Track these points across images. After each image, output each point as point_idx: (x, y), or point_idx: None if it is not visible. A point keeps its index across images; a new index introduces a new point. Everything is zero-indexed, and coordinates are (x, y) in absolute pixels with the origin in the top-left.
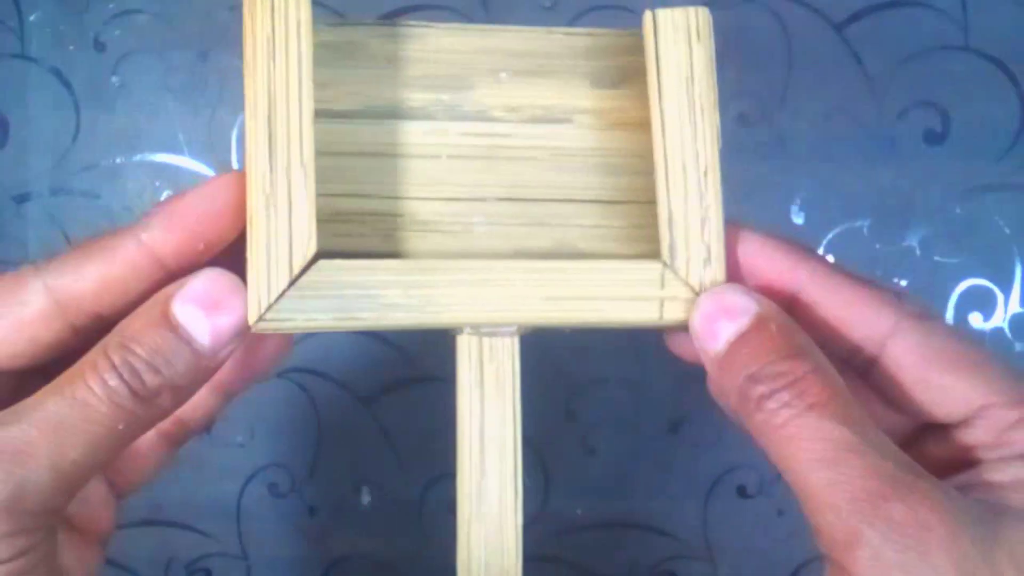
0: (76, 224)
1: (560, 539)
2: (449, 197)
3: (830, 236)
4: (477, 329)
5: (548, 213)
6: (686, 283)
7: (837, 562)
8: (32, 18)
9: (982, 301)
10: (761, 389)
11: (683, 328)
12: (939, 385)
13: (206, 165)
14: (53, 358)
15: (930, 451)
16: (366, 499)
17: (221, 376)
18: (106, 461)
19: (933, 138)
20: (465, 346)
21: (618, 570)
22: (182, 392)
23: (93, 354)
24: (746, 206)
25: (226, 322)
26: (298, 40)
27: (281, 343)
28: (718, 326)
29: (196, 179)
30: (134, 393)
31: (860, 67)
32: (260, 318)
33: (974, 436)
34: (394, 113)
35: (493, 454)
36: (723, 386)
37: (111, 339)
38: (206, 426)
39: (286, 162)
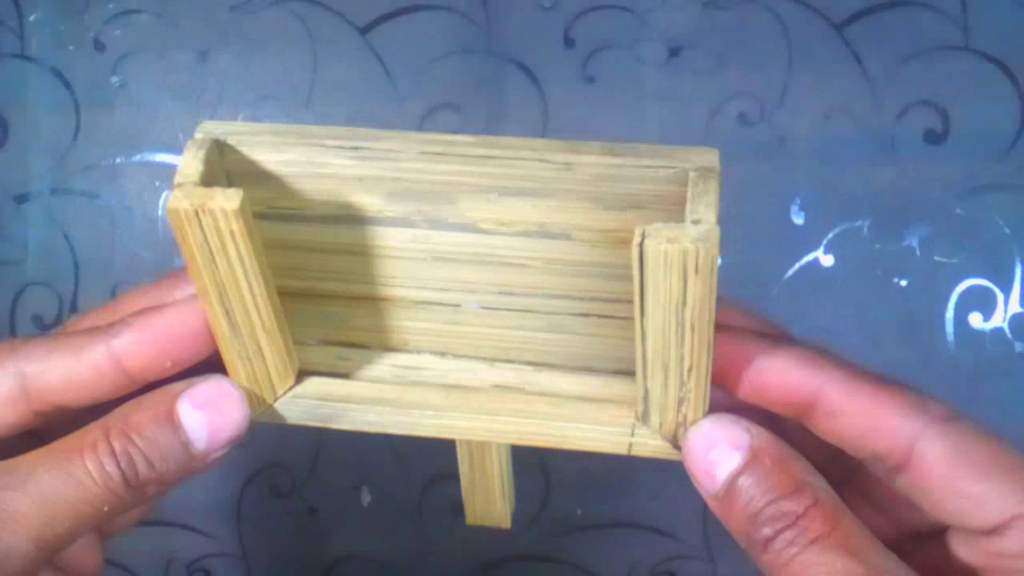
0: (76, 224)
1: (560, 539)
2: (440, 288)
3: (830, 236)
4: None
5: (542, 303)
6: (657, 434)
7: None
8: (32, 18)
9: (982, 301)
10: (766, 532)
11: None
12: (971, 493)
13: None
14: (13, 436)
15: (957, 555)
16: (366, 499)
17: None
18: (85, 534)
19: (933, 138)
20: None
21: (618, 570)
22: (170, 485)
23: (94, 433)
24: (746, 206)
25: (225, 431)
26: (235, 245)
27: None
28: (712, 465)
29: None
30: (126, 481)
31: (860, 67)
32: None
33: (1006, 545)
34: (374, 220)
35: None
36: (727, 524)
37: (115, 423)
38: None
39: (250, 331)
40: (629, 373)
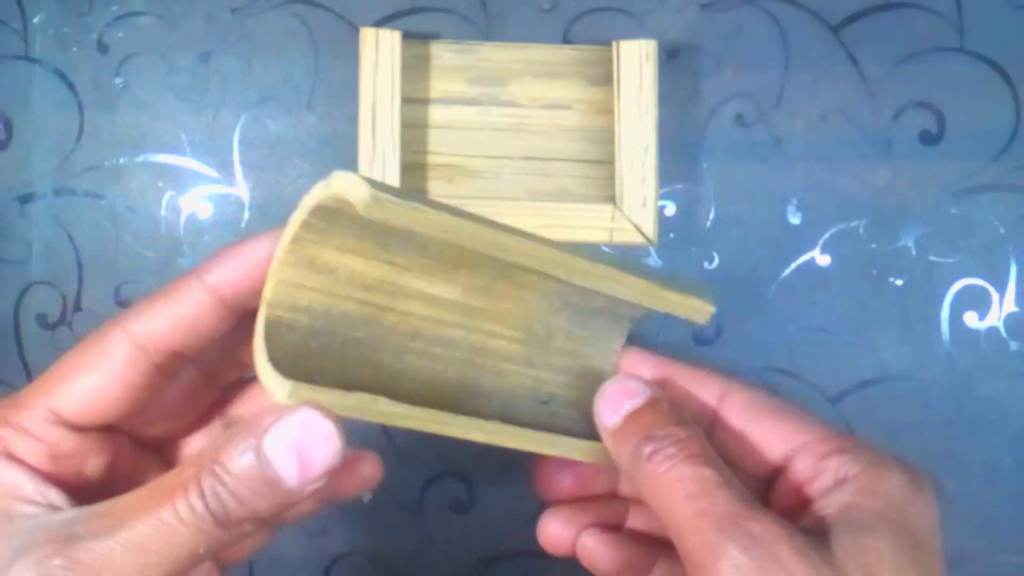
0: (80, 224)
1: None
2: (489, 155)
3: (826, 236)
4: None
5: (553, 168)
6: (629, 219)
7: (694, 566)
8: (36, 20)
9: (977, 301)
10: (652, 447)
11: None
12: (762, 429)
13: (209, 165)
14: (144, 400)
15: (774, 504)
16: (366, 499)
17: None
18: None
19: (928, 139)
20: None
21: None
22: (265, 522)
23: (186, 473)
24: (743, 206)
25: (316, 466)
26: (391, 62)
27: (373, 473)
28: (618, 403)
29: (199, 179)
30: (217, 521)
31: (856, 68)
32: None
33: (797, 473)
34: (457, 101)
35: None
36: (618, 452)
37: (206, 461)
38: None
39: (382, 134)
40: (610, 198)
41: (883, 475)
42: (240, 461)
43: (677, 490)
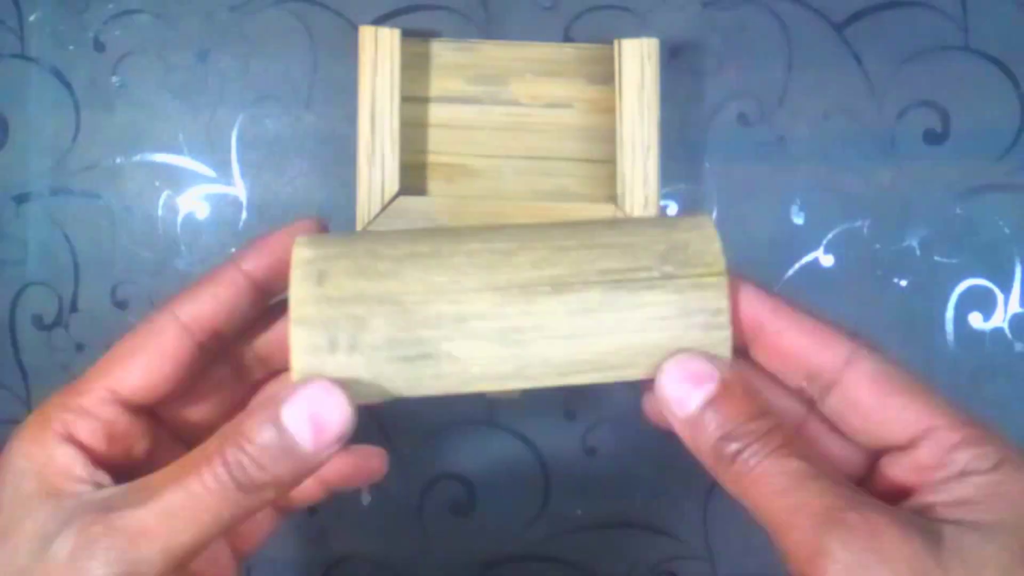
0: (76, 224)
1: (560, 539)
2: (489, 155)
3: (830, 236)
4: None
5: (554, 167)
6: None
7: (799, 568)
8: (32, 18)
9: (982, 301)
10: (735, 446)
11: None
12: (890, 407)
13: (206, 165)
14: (189, 381)
15: (881, 479)
16: (366, 499)
17: (327, 475)
18: (213, 541)
19: (933, 138)
20: None
21: (618, 570)
22: (285, 487)
23: (211, 446)
24: (746, 206)
25: (329, 431)
26: (390, 61)
27: (379, 467)
28: (687, 392)
29: (196, 179)
30: (240, 487)
31: (860, 67)
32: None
33: (920, 458)
34: (457, 99)
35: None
36: (696, 445)
37: (228, 433)
38: (309, 506)
39: (381, 133)
40: (612, 198)
41: (1015, 479)
42: (260, 430)
43: (766, 487)
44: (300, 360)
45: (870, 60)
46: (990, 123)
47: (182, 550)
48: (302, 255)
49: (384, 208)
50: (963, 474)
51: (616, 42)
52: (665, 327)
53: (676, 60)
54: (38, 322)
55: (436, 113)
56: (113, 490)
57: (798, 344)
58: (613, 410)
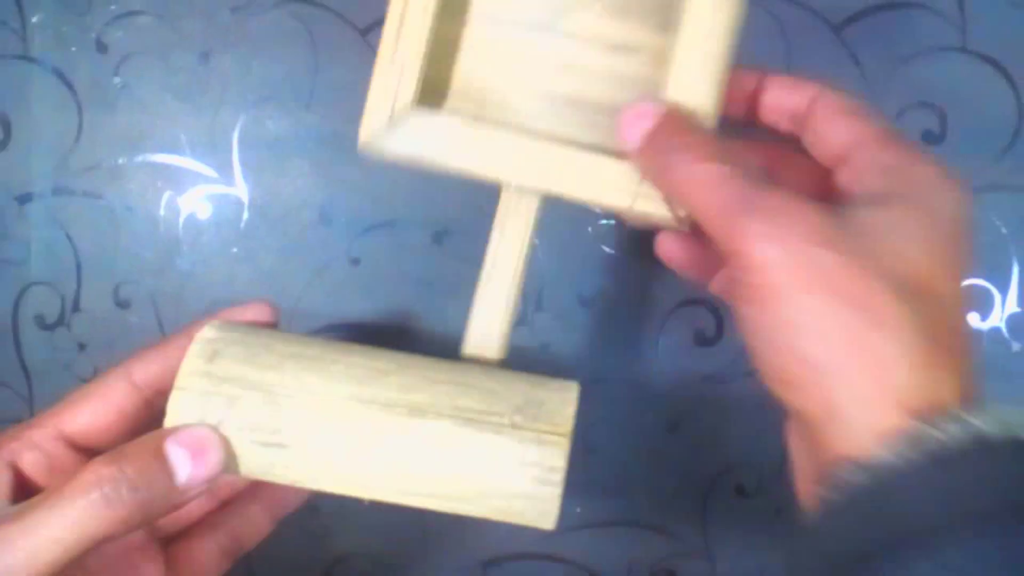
0: (78, 225)
1: (560, 539)
2: (527, 93)
3: None
4: (509, 186)
5: (600, 121)
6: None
7: (729, 249)
8: (34, 19)
9: (979, 301)
10: (669, 156)
11: (651, 218)
12: (836, 124)
13: (208, 166)
14: (132, 431)
15: (836, 196)
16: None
17: (275, 504)
18: (83, 553)
19: (931, 138)
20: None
21: (618, 569)
22: (152, 514)
23: (92, 464)
24: None
25: (203, 470)
26: None
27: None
28: (634, 125)
29: (198, 179)
30: (109, 505)
31: (858, 68)
32: (367, 142)
33: (853, 163)
34: (506, 21)
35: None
36: (645, 170)
37: (112, 454)
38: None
39: (408, 35)
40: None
41: (917, 164)
42: (142, 454)
43: (696, 187)
44: (174, 421)
45: (868, 61)
46: (988, 124)
47: (45, 562)
48: (205, 334)
49: (392, 118)
50: (880, 170)
51: None
52: (500, 472)
53: None
54: (40, 322)
55: (476, 34)
56: (10, 508)
57: (777, 95)
58: (613, 410)
